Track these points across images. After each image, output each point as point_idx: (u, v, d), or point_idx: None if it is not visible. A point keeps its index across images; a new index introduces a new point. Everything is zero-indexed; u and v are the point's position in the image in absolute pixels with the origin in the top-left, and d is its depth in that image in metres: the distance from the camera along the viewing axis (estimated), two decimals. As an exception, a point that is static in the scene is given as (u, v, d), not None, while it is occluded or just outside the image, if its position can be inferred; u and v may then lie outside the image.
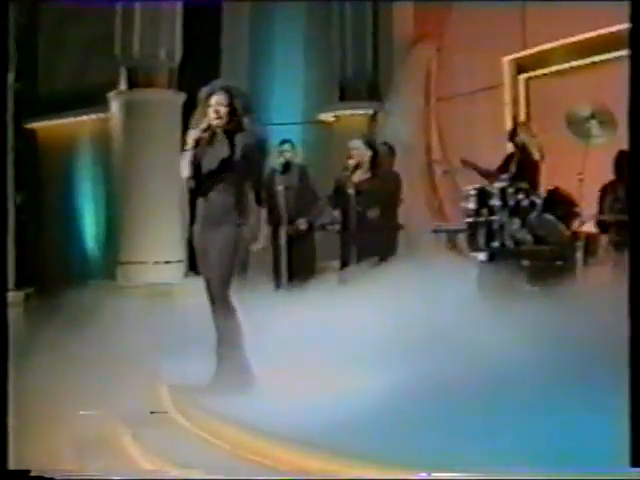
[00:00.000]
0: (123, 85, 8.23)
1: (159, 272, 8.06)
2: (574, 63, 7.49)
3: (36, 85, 8.83)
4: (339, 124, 9.36)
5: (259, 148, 4.26)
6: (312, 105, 9.57)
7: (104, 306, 7.33)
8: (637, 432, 2.46)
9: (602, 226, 6.11)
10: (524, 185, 5.97)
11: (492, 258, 5.73)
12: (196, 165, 4.20)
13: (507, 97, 7.87)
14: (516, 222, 5.77)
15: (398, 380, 3.98)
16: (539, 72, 7.74)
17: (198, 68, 8.71)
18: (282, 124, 9.06)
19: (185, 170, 4.21)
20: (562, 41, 7.47)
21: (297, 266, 6.54)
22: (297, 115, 9.66)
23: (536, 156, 6.35)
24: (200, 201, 4.21)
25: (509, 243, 5.73)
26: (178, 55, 8.29)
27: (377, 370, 4.20)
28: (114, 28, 8.17)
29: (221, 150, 4.22)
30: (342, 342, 4.63)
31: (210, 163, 4.23)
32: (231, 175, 4.21)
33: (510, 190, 6.24)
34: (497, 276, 5.48)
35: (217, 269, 4.16)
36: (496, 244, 5.76)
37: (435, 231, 7.23)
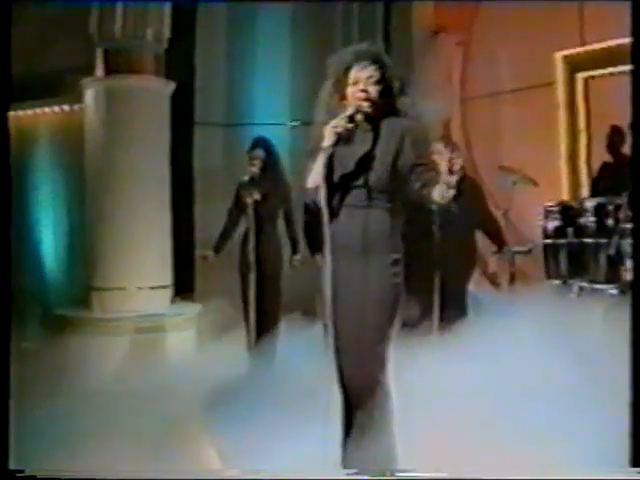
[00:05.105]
0: (100, 70, 6.67)
1: (143, 300, 6.56)
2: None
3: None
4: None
5: (419, 141, 3.00)
6: (300, 104, 7.98)
7: (86, 348, 5.88)
8: (637, 432, 2.46)
9: None
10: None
11: (623, 292, 4.64)
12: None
13: (560, 97, 6.84)
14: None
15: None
16: (596, 72, 6.73)
17: (186, 52, 7.33)
18: (264, 124, 7.68)
19: (318, 176, 2.90)
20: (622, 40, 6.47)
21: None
22: (284, 116, 8.16)
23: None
24: (331, 223, 2.87)
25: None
26: (167, 36, 6.81)
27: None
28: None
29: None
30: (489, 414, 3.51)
31: (349, 166, 2.96)
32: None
33: (610, 207, 5.23)
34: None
35: (367, 325, 2.83)
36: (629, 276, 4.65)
37: (497, 252, 6.05)
